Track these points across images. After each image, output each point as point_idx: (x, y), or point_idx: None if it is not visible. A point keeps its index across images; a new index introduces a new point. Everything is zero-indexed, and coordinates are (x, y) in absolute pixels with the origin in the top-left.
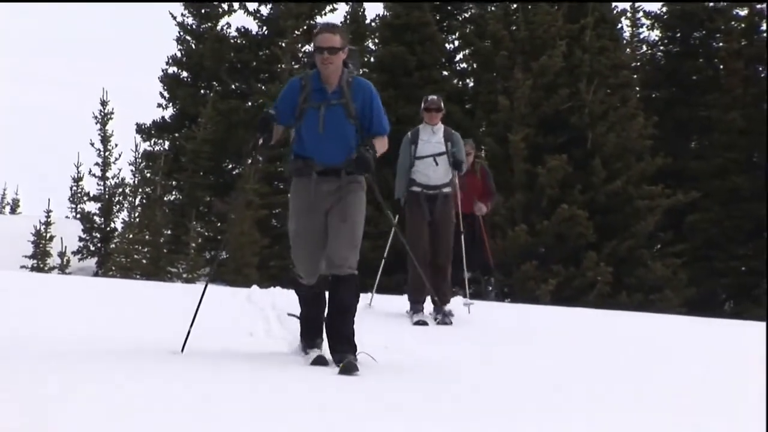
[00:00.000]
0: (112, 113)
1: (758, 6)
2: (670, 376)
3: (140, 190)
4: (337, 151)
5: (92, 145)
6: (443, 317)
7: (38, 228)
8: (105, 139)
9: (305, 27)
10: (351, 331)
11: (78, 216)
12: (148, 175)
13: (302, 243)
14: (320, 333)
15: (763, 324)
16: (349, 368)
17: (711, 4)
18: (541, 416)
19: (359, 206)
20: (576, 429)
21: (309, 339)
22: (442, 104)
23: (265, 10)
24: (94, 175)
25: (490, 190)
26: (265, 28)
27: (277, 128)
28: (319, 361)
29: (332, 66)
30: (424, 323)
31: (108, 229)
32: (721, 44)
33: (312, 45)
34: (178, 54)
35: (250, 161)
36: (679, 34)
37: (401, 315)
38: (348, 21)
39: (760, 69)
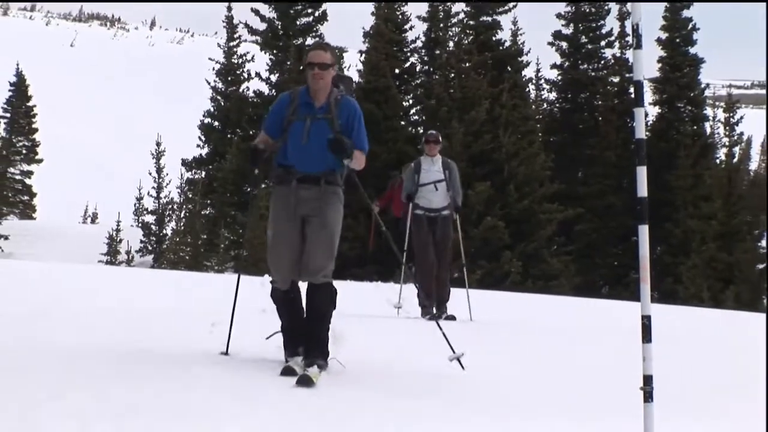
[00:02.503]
0: (164, 151)
1: (626, 74)
2: (573, 334)
3: (184, 206)
4: (317, 161)
5: (150, 174)
6: (448, 315)
7: (111, 233)
8: (159, 170)
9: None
10: (325, 337)
11: (139, 225)
12: (190, 195)
13: (279, 249)
14: (301, 342)
15: (628, 303)
16: (304, 381)
17: (593, 73)
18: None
19: (338, 217)
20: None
21: (291, 349)
22: (440, 137)
23: (273, 77)
24: (151, 195)
25: None
26: (273, 90)
27: (269, 141)
28: (287, 371)
29: (322, 81)
30: (437, 317)
31: (161, 234)
32: (600, 102)
33: (304, 62)
34: (212, 109)
35: (254, 191)
36: (570, 95)
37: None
38: None
39: (628, 120)
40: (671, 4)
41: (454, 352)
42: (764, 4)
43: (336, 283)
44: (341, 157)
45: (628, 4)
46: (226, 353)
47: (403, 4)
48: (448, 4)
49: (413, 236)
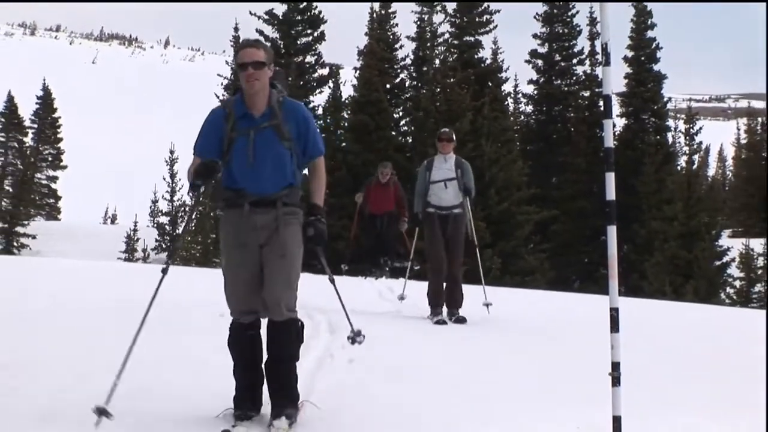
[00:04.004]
0: (177, 158)
1: (596, 88)
2: (547, 325)
3: (195, 209)
4: (271, 179)
5: (164, 179)
6: (458, 317)
7: (129, 233)
8: (172, 175)
9: (303, 103)
10: (293, 381)
11: (155, 225)
12: (201, 199)
13: (235, 277)
14: (256, 402)
15: (598, 296)
16: None
17: (566, 88)
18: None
19: (297, 240)
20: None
21: (241, 409)
22: (454, 136)
23: None
24: (165, 198)
25: (400, 196)
26: None
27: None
28: None
29: (258, 83)
30: (444, 322)
31: (174, 234)
32: (572, 114)
33: (234, 64)
34: None
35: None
36: (545, 108)
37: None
38: (331, 99)
39: (598, 131)
40: (637, 25)
41: (353, 330)
42: (764, 4)
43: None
44: (320, 247)
45: (598, 25)
46: None
47: (394, 25)
48: (435, 25)
49: (424, 235)
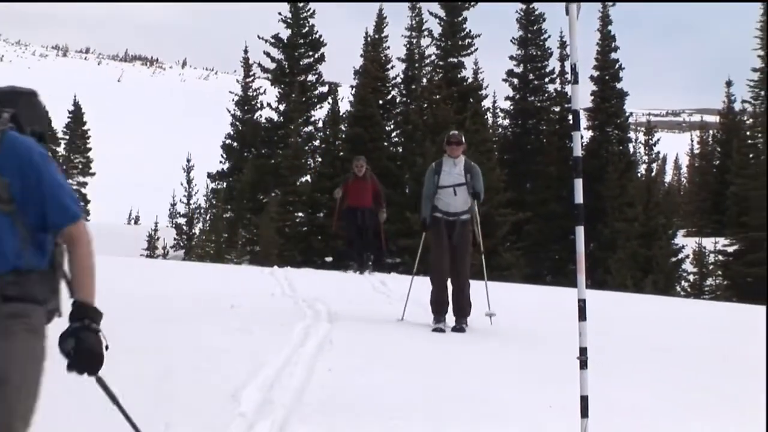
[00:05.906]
0: (193, 166)
1: (565, 104)
2: (521, 314)
3: (209, 211)
4: None
5: (181, 184)
6: (459, 325)
7: (150, 233)
8: (189, 181)
9: (305, 117)
10: None
11: (173, 225)
12: (214, 202)
13: None
14: None
15: (567, 289)
16: None
17: (539, 104)
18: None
19: (27, 355)
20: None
21: None
22: (463, 139)
23: (281, 107)
24: (182, 201)
25: (378, 190)
26: (281, 117)
27: None
28: None
29: None
30: (442, 330)
31: (191, 233)
32: (544, 127)
33: None
34: (232, 132)
35: None
36: (520, 122)
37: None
38: (330, 114)
39: (567, 142)
40: (602, 48)
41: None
42: (765, 4)
43: (332, 274)
44: (87, 372)
45: (568, 48)
46: None
47: (387, 48)
48: (422, 48)
49: (430, 240)
